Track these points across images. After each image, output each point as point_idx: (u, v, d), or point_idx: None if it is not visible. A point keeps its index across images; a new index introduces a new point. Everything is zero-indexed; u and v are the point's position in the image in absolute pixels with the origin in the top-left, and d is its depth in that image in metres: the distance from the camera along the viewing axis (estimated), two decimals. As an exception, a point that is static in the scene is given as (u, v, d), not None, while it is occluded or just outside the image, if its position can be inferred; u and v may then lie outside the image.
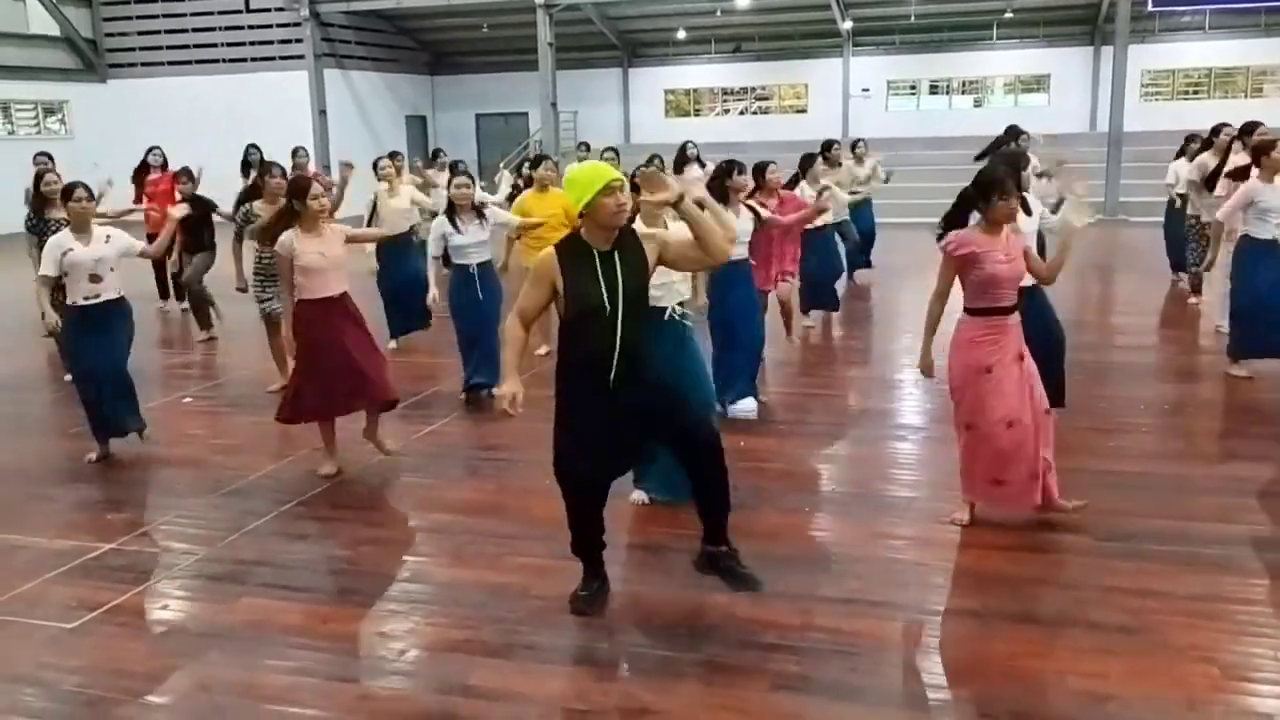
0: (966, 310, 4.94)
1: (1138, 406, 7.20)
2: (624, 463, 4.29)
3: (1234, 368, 7.71)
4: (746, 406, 7.00)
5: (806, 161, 9.71)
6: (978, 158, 8.35)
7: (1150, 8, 18.12)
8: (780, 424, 7.11)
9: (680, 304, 5.37)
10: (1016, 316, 4.93)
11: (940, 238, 5.26)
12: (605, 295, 3.90)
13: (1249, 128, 9.11)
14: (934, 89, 26.29)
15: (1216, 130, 9.76)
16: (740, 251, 6.78)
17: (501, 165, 20.84)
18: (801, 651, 3.93)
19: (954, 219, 5.01)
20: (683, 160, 12.25)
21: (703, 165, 11.94)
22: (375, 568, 4.90)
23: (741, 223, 6.59)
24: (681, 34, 25.92)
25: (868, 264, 12.68)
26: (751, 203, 6.82)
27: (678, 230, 4.42)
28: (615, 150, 12.36)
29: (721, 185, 6.63)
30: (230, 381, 8.78)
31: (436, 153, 13.71)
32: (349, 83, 24.43)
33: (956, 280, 4.91)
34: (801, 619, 4.18)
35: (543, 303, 4.02)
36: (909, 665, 3.87)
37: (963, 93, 26.25)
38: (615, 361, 3.94)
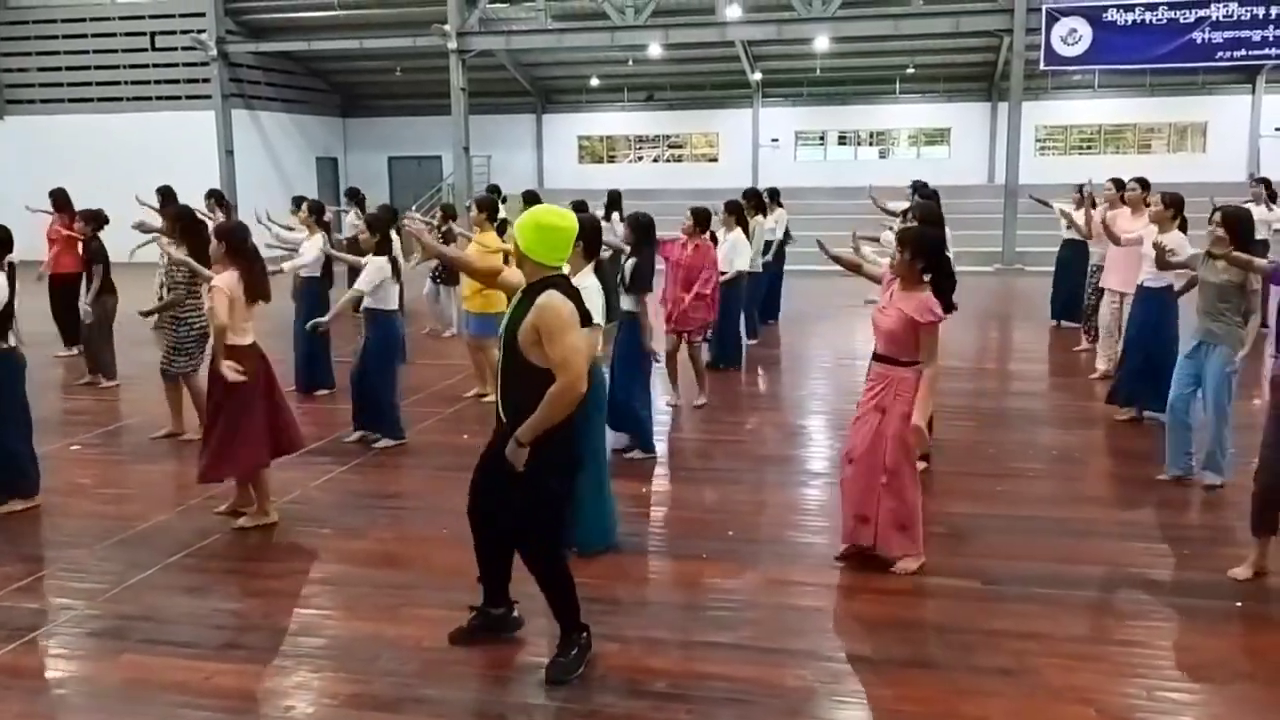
0: None
1: (1027, 452, 7.43)
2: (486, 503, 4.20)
3: (1120, 412, 8.02)
4: (636, 452, 7.12)
5: (733, 207, 10.01)
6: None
7: (1042, 66, 18.88)
8: (682, 470, 7.17)
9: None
10: (893, 370, 5.03)
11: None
12: (504, 327, 4.00)
13: (1118, 183, 9.58)
14: (842, 140, 26.94)
15: (1117, 182, 10.00)
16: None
17: (413, 209, 20.83)
18: (693, 700, 3.94)
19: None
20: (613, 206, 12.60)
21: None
22: (264, 621, 4.78)
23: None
24: (595, 81, 26.20)
25: (775, 312, 12.92)
26: None
27: None
28: (536, 194, 12.27)
29: None
30: (122, 429, 8.52)
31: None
32: (258, 123, 24.10)
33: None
34: (694, 666, 4.20)
35: None
36: (799, 711, 3.90)
37: (870, 144, 26.96)
38: (498, 395, 4.03)
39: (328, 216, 9.89)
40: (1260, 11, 17.31)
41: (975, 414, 8.45)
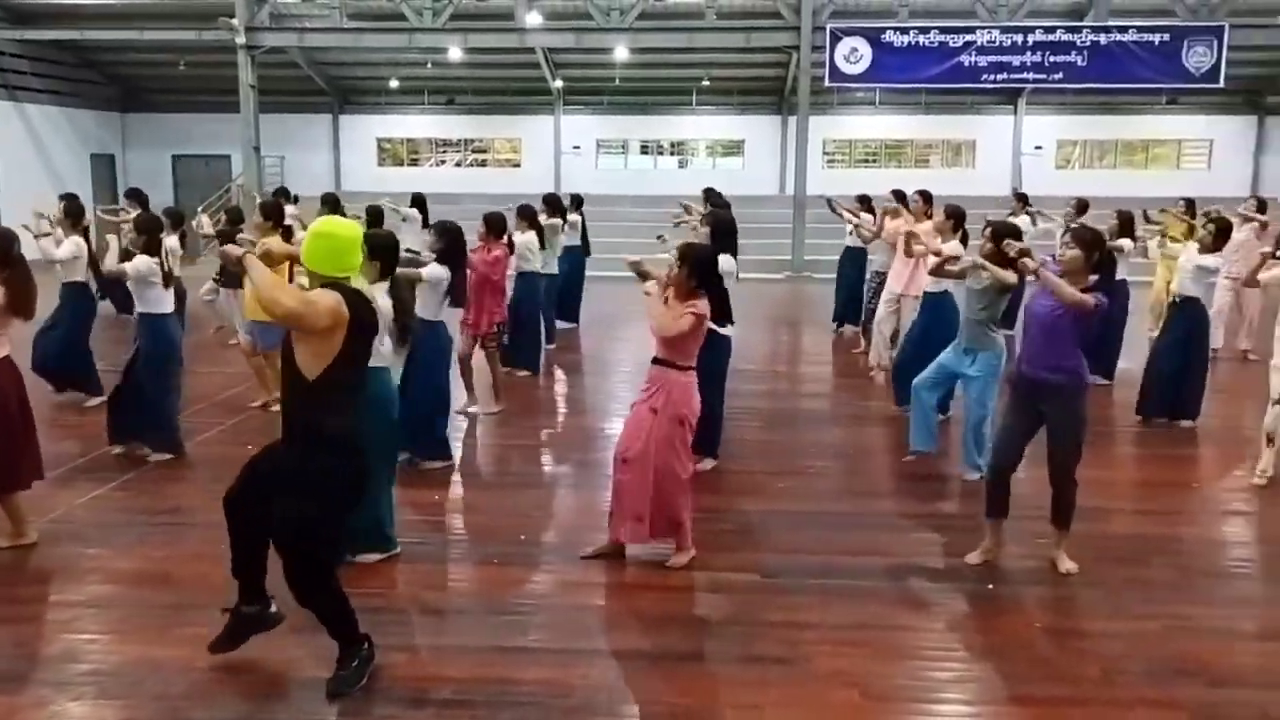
0: None
1: (811, 450, 7.78)
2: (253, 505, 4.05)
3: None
4: (433, 462, 7.03)
5: (525, 211, 10.15)
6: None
7: (826, 83, 19.80)
8: (476, 476, 7.15)
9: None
10: (668, 373, 5.22)
11: None
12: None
13: (925, 195, 10.14)
14: (644, 149, 27.45)
15: (899, 195, 10.59)
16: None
17: (200, 210, 19.83)
18: (477, 705, 3.94)
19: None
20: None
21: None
22: (18, 649, 4.46)
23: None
24: (394, 83, 25.68)
25: (574, 315, 13.02)
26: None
27: None
28: (337, 197, 11.87)
29: None
30: None
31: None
32: (23, 116, 22.38)
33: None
34: (480, 671, 4.20)
35: None
36: (582, 710, 3.96)
37: (670, 154, 27.57)
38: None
39: (87, 220, 9.23)
40: (1019, 39, 18.78)
41: (764, 415, 8.78)
